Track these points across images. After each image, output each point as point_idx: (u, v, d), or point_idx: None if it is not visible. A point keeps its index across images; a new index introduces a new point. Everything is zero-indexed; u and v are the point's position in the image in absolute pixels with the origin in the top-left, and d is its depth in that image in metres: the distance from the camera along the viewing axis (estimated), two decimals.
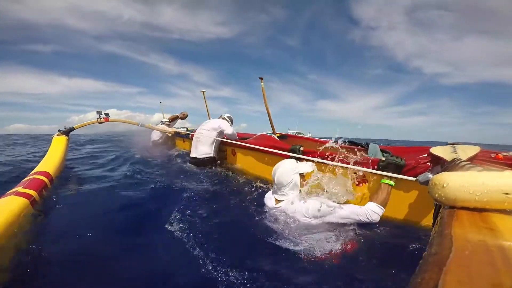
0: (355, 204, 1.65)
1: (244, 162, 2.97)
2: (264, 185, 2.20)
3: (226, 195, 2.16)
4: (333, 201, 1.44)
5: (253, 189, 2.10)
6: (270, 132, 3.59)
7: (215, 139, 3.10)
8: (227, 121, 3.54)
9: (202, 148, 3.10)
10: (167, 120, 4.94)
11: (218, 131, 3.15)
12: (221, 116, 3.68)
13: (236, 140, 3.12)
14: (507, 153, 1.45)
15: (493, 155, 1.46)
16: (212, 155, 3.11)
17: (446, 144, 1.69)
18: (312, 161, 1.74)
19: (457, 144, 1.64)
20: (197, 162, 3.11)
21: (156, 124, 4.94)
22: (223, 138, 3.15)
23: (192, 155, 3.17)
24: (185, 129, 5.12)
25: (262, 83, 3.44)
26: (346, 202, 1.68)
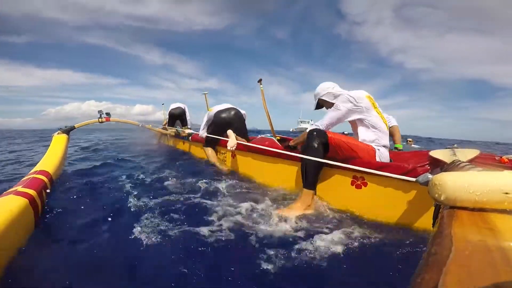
0: (355, 209, 1.68)
1: (243, 165, 2.95)
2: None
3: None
4: None
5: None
6: (270, 135, 3.58)
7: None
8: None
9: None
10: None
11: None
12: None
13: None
14: (511, 156, 1.47)
15: (497, 158, 1.48)
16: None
17: (442, 144, 1.73)
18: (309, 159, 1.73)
19: (456, 148, 1.68)
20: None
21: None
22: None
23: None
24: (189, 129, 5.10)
25: (261, 85, 3.41)
26: (349, 209, 1.69)
